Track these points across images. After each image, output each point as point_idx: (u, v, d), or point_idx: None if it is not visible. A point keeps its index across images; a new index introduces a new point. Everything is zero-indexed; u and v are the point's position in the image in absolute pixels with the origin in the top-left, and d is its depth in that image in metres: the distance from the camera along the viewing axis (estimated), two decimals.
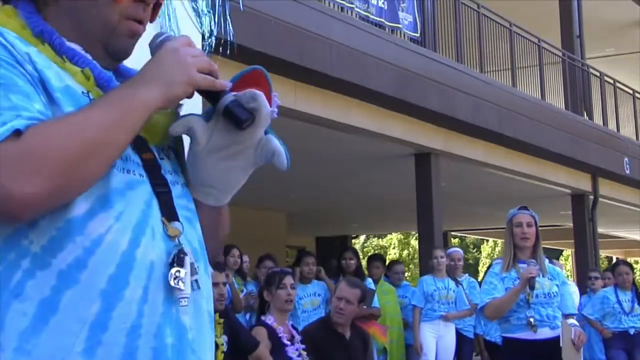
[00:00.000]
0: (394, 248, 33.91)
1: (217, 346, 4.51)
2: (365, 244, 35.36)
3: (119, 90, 1.32)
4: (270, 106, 1.43)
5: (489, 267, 5.21)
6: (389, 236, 34.40)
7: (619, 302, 8.49)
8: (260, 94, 1.38)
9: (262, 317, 5.25)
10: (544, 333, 4.70)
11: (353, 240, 27.33)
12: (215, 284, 4.50)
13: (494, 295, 4.76)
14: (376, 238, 34.47)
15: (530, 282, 4.74)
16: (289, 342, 5.06)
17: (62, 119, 1.25)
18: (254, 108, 1.39)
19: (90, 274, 1.26)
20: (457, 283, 8.53)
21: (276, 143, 1.49)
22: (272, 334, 5.03)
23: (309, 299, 7.80)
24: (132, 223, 1.31)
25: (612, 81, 16.12)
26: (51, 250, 1.26)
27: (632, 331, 8.43)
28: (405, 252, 33.40)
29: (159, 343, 1.30)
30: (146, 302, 1.29)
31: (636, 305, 8.48)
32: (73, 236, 1.27)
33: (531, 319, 4.69)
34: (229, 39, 5.67)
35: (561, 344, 4.69)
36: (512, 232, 5.01)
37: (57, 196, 1.22)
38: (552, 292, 4.85)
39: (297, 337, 5.19)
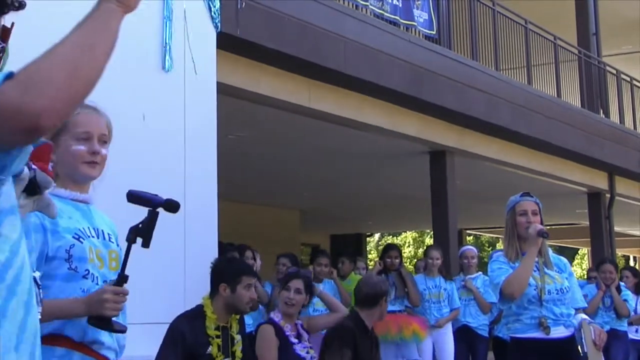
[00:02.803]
0: (408, 246, 33.86)
1: (234, 342, 4.52)
2: (379, 242, 35.34)
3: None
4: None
5: (489, 259, 4.53)
6: (403, 234, 34.36)
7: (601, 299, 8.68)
8: (51, 182, 1.88)
9: (271, 315, 5.29)
10: (559, 332, 4.25)
11: (367, 239, 27.30)
12: (248, 286, 4.56)
13: (507, 275, 4.25)
14: (391, 236, 34.42)
15: (542, 233, 4.26)
16: (296, 340, 5.07)
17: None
18: (45, 187, 1.85)
19: (23, 287, 1.54)
20: (448, 280, 8.47)
21: (50, 198, 1.96)
22: (279, 331, 5.04)
23: None
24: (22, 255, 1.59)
25: (628, 79, 16.01)
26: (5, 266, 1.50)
27: (606, 327, 8.53)
28: (420, 251, 33.34)
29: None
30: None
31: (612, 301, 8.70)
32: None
33: (544, 320, 4.22)
34: (237, 34, 5.66)
35: (585, 349, 4.25)
36: (516, 221, 4.39)
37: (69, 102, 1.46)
38: (564, 287, 4.34)
39: (305, 336, 5.19)
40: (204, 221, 5.58)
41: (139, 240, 2.46)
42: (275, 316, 5.15)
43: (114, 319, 2.45)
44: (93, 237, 2.54)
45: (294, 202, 15.73)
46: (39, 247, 2.43)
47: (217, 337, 4.43)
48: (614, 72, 15.54)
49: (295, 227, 16.89)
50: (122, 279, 2.44)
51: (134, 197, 2.53)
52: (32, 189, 1.83)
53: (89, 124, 2.58)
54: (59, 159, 2.54)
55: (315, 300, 7.75)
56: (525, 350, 4.30)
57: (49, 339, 2.42)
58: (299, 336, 5.15)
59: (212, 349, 4.38)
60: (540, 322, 4.23)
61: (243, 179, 12.19)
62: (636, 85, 16.34)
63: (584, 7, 15.38)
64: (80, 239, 2.49)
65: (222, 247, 6.27)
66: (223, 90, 6.45)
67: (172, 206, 2.50)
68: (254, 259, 7.52)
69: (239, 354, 4.51)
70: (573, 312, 4.39)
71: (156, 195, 2.52)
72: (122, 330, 2.48)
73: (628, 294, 8.94)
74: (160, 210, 2.53)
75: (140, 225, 2.45)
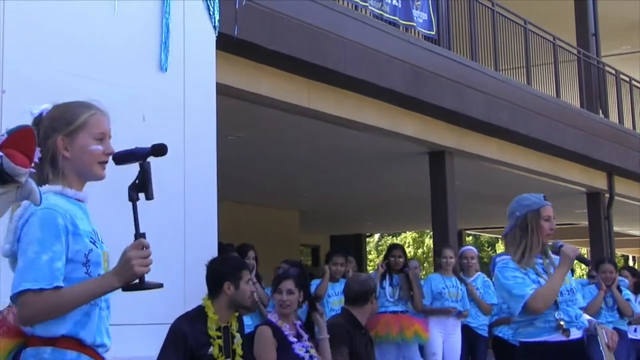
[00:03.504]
0: (408, 246, 33.84)
1: (234, 340, 4.53)
2: (379, 243, 35.35)
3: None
4: (34, 158, 2.08)
5: (494, 265, 4.25)
6: (403, 235, 34.35)
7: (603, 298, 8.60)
8: (18, 169, 1.95)
9: (269, 316, 5.30)
10: (573, 334, 4.13)
11: (367, 239, 27.29)
12: (248, 280, 4.64)
13: (532, 286, 4.08)
14: (390, 236, 34.43)
15: (580, 258, 4.20)
16: (295, 340, 5.07)
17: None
18: (14, 175, 1.93)
19: None
20: (462, 281, 8.49)
21: (33, 185, 2.03)
22: (277, 332, 5.04)
23: (337, 298, 7.69)
24: None
25: (627, 79, 16.02)
26: None
27: (609, 327, 8.45)
28: (419, 251, 33.35)
29: None
30: None
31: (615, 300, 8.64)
32: None
33: (562, 322, 4.09)
34: (234, 35, 5.66)
35: (604, 357, 4.23)
36: (539, 225, 4.19)
37: None
38: (573, 288, 4.25)
39: (305, 336, 5.18)
40: (204, 222, 5.58)
41: (142, 196, 2.43)
42: (273, 317, 5.15)
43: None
44: (96, 240, 2.55)
45: (293, 202, 15.73)
46: (65, 249, 2.42)
47: (219, 337, 4.44)
48: (613, 72, 15.55)
49: (295, 228, 16.89)
50: (139, 237, 2.39)
51: (120, 158, 2.51)
52: (1, 177, 1.81)
53: (104, 125, 2.60)
54: (73, 156, 2.54)
55: (332, 299, 7.75)
56: (539, 354, 4.16)
57: (62, 342, 2.42)
58: (298, 336, 5.14)
59: (214, 350, 4.39)
60: (558, 325, 4.10)
61: (243, 180, 12.19)
62: (635, 86, 16.35)
63: (583, 7, 15.39)
64: (95, 244, 2.50)
65: (221, 247, 6.27)
66: (222, 91, 6.45)
67: (160, 150, 2.46)
68: (256, 259, 7.52)
69: (239, 351, 4.52)
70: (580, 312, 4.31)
71: (139, 147, 2.49)
72: (159, 285, 2.43)
73: (628, 294, 8.92)
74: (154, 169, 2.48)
75: (137, 181, 2.42)
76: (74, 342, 2.43)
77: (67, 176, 2.53)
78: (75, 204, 2.53)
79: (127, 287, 2.37)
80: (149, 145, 2.49)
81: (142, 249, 2.38)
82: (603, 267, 8.80)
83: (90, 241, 2.48)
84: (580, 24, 15.38)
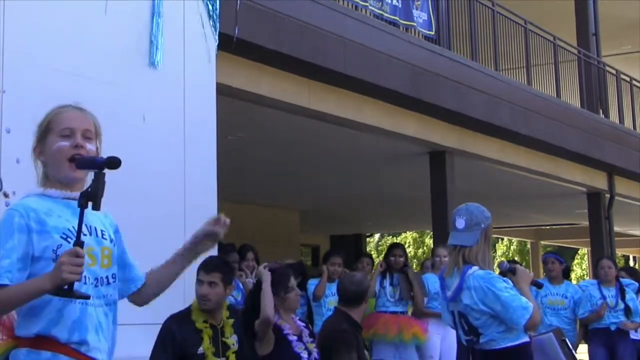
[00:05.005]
0: (408, 246, 33.87)
1: (227, 346, 4.50)
2: (379, 243, 35.37)
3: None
4: None
5: (469, 278, 4.26)
6: (403, 235, 34.37)
7: (603, 297, 8.35)
8: None
9: None
10: None
11: (367, 239, 27.29)
12: (199, 281, 4.57)
13: (522, 297, 4.21)
14: (391, 237, 34.43)
15: (534, 282, 4.50)
16: (295, 338, 5.06)
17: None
18: None
19: None
20: None
21: None
22: (277, 330, 5.02)
23: (334, 298, 7.67)
24: None
25: (628, 79, 16.02)
26: None
27: (613, 327, 8.31)
28: (420, 251, 33.38)
29: None
30: None
31: (619, 301, 8.35)
32: None
33: None
34: (234, 35, 5.65)
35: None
36: (491, 237, 4.45)
37: None
38: None
39: (306, 332, 5.18)
40: (204, 221, 5.57)
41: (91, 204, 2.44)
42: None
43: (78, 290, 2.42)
44: (84, 235, 2.52)
45: (293, 202, 15.73)
46: (23, 247, 2.44)
47: (207, 328, 4.44)
48: (614, 72, 15.55)
49: (295, 228, 16.89)
50: (76, 245, 2.41)
51: (81, 162, 2.54)
52: None
53: (71, 121, 2.61)
54: (47, 160, 2.59)
55: (328, 299, 7.75)
56: (530, 353, 4.34)
57: (35, 342, 2.44)
58: (300, 334, 5.13)
59: (204, 342, 4.38)
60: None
61: (243, 180, 12.19)
62: (636, 85, 16.35)
63: (583, 7, 15.38)
64: (69, 239, 2.49)
65: (222, 247, 6.26)
66: (222, 91, 6.45)
67: (113, 163, 2.47)
68: (256, 260, 7.49)
69: (232, 359, 4.49)
70: None
71: (99, 156, 2.54)
72: (84, 297, 2.44)
73: (633, 297, 8.75)
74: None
75: (89, 189, 2.44)
76: (49, 341, 2.44)
77: (50, 179, 2.59)
78: (59, 202, 2.56)
79: (57, 292, 2.39)
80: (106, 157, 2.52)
81: (76, 257, 2.38)
82: (601, 263, 8.66)
83: (62, 237, 2.49)
84: (581, 24, 15.38)
